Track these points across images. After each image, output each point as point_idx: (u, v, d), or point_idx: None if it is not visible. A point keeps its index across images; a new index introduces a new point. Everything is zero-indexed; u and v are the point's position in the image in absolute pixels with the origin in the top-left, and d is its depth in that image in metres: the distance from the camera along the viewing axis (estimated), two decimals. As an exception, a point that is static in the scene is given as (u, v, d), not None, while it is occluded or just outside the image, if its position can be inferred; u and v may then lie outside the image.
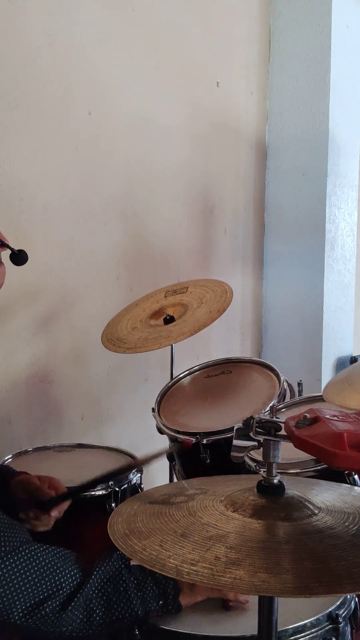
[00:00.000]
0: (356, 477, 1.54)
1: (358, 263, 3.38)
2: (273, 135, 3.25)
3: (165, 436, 1.97)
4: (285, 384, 1.96)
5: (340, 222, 3.18)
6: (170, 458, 2.05)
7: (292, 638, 1.07)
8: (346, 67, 3.13)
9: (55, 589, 1.07)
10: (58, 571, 1.09)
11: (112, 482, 1.71)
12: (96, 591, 1.10)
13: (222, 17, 2.95)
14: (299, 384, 2.00)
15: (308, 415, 0.90)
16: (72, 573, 1.10)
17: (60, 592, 1.07)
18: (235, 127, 3.09)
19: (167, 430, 1.92)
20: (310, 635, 1.08)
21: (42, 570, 1.07)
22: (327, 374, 3.12)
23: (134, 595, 1.10)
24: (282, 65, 3.19)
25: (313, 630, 1.08)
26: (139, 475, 1.83)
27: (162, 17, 2.63)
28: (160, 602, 1.11)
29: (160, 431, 1.97)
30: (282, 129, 3.21)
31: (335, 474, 1.50)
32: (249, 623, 1.10)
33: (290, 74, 3.16)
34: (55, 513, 1.40)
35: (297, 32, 3.12)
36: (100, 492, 1.69)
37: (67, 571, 1.10)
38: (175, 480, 2.16)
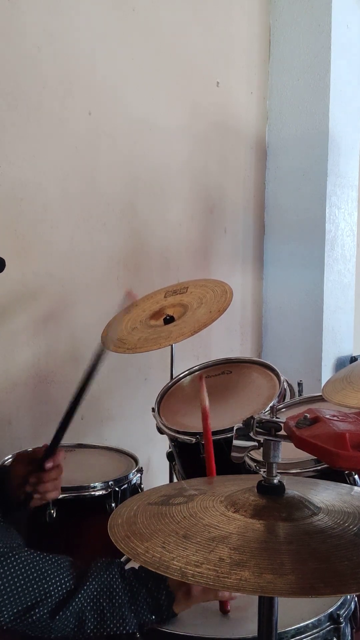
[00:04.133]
0: (356, 477, 1.54)
1: (358, 263, 3.38)
2: (273, 135, 3.25)
3: (165, 436, 1.97)
4: (285, 384, 1.96)
5: (340, 222, 3.17)
6: (170, 458, 2.05)
7: (293, 639, 1.06)
8: (346, 67, 3.12)
9: (43, 596, 1.06)
10: (48, 578, 1.08)
11: (112, 482, 1.72)
12: (90, 602, 1.09)
13: (222, 17, 2.95)
14: (299, 384, 2.00)
15: (308, 415, 0.90)
16: (63, 581, 1.09)
17: (49, 599, 1.07)
18: (236, 127, 3.08)
19: (167, 430, 1.92)
20: (312, 636, 1.07)
21: (31, 576, 1.07)
22: (327, 374, 3.12)
23: (128, 610, 1.10)
24: (282, 65, 3.19)
25: (314, 631, 1.08)
26: (139, 475, 1.83)
27: (162, 17, 2.62)
28: (154, 616, 1.11)
29: (160, 431, 1.97)
30: (282, 129, 3.21)
31: (336, 474, 1.50)
32: (248, 626, 1.10)
33: (290, 74, 3.16)
34: (49, 464, 1.38)
35: (297, 32, 3.12)
36: (100, 492, 1.69)
37: (57, 578, 1.09)
38: (175, 480, 2.15)
